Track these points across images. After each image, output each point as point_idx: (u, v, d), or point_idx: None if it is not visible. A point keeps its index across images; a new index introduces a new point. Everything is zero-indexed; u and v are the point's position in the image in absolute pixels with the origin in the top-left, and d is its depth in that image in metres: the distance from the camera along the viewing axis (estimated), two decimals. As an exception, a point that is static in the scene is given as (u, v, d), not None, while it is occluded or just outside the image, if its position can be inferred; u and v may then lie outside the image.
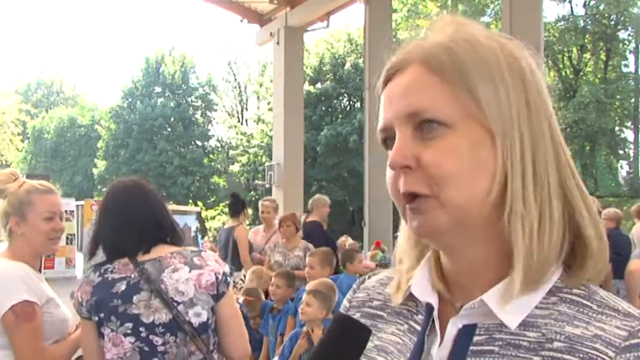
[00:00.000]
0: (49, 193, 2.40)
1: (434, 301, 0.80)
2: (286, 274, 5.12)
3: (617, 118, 28.52)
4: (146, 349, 2.04)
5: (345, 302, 0.96)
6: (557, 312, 0.73)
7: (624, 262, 5.67)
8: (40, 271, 2.46)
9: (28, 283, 2.21)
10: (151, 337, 2.04)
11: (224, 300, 2.13)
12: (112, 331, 2.06)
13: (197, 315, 2.06)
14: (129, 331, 2.04)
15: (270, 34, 16.08)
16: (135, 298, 2.05)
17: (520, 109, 0.74)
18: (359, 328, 0.72)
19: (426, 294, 0.81)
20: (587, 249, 0.75)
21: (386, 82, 0.80)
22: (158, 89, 39.48)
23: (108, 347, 2.07)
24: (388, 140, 0.79)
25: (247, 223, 7.28)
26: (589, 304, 0.73)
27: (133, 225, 2.16)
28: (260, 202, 7.28)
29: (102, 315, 2.07)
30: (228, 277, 2.17)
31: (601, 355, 0.68)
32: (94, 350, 2.13)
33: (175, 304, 2.04)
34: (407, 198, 0.75)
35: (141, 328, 2.04)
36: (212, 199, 36.88)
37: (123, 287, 2.07)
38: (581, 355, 0.69)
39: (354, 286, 0.97)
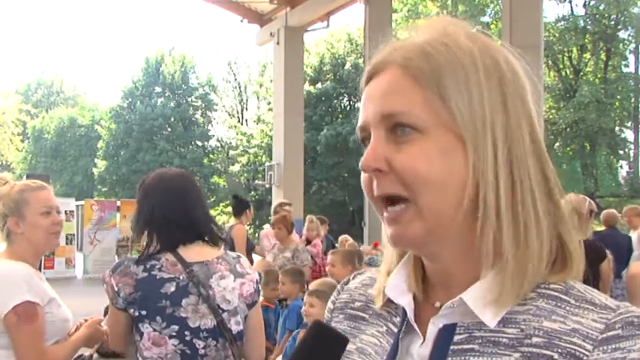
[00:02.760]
0: (42, 189, 2.40)
1: (407, 303, 0.80)
2: (291, 271, 5.18)
3: (617, 118, 28.56)
4: (188, 352, 2.05)
5: (329, 304, 0.97)
6: (536, 307, 0.73)
7: (622, 262, 5.66)
8: (39, 271, 2.45)
9: (30, 283, 2.20)
10: (194, 340, 2.06)
11: (255, 308, 2.20)
12: (155, 330, 2.05)
13: (237, 323, 2.12)
14: (174, 334, 2.05)
15: (271, 34, 16.09)
16: (184, 301, 2.06)
17: (495, 115, 0.74)
18: (336, 337, 0.71)
19: (400, 296, 0.81)
20: (567, 250, 0.76)
21: (367, 82, 0.81)
22: (158, 89, 39.50)
23: (147, 345, 2.06)
24: (366, 140, 0.79)
25: (248, 223, 7.26)
26: (567, 298, 0.73)
27: (186, 214, 2.16)
28: (277, 206, 7.23)
29: (144, 312, 2.05)
30: (259, 286, 2.23)
31: (579, 349, 0.69)
32: (122, 337, 2.14)
33: (221, 312, 2.08)
34: (383, 201, 0.77)
35: (186, 332, 2.05)
36: (212, 199, 36.87)
37: (172, 289, 2.06)
38: (560, 350, 0.69)
39: (338, 287, 0.98)
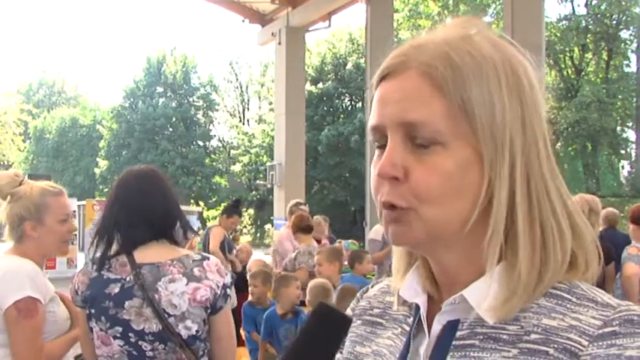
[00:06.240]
0: (61, 194, 2.40)
1: (421, 302, 0.81)
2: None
3: (618, 118, 28.51)
4: (135, 353, 2.03)
5: (348, 311, 0.98)
6: (537, 305, 0.74)
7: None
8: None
9: (34, 279, 2.21)
10: (140, 342, 2.03)
11: (220, 315, 2.10)
12: (102, 330, 2.05)
13: (187, 328, 2.03)
14: (118, 335, 2.03)
15: (272, 34, 16.09)
16: (127, 303, 2.02)
17: (514, 132, 0.73)
18: (338, 317, 0.72)
19: (414, 295, 0.83)
20: (575, 257, 0.77)
21: (381, 79, 0.79)
22: (160, 89, 39.54)
23: (97, 344, 2.08)
24: (377, 142, 0.78)
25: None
26: (568, 296, 0.74)
27: (143, 214, 2.11)
28: (292, 206, 7.18)
29: (93, 311, 2.06)
30: (228, 290, 2.12)
31: (575, 345, 0.69)
32: (88, 337, 2.13)
33: (167, 316, 2.01)
34: (385, 205, 0.76)
35: (130, 334, 2.03)
36: (213, 199, 36.91)
37: (117, 289, 2.04)
38: (556, 346, 0.70)
39: (358, 295, 0.99)
